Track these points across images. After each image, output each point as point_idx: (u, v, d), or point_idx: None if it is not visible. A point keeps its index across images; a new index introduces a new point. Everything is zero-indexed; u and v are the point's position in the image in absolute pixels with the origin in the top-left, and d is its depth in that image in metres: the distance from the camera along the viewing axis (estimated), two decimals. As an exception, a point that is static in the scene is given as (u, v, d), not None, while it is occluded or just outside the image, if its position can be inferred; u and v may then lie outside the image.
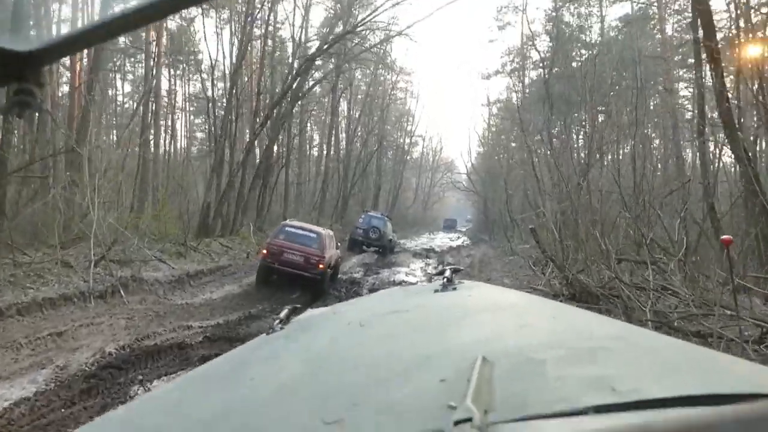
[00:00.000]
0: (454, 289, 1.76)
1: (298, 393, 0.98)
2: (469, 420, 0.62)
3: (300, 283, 14.44)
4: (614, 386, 0.69)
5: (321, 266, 14.14)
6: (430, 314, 1.46)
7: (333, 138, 37.72)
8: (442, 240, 47.90)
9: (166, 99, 29.96)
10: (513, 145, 43.98)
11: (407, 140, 60.39)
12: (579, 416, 0.63)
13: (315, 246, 14.41)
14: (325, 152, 37.40)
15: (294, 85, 23.10)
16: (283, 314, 1.72)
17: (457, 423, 0.62)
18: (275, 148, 26.40)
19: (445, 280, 1.83)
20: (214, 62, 24.71)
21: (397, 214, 61.58)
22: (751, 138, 13.63)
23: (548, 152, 22.57)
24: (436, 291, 1.75)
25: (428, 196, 79.27)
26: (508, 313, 1.41)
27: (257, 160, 23.89)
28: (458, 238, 51.29)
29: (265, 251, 14.44)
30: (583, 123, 28.65)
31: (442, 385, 0.78)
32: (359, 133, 42.10)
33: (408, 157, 71.46)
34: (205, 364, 1.61)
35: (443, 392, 0.74)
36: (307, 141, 41.59)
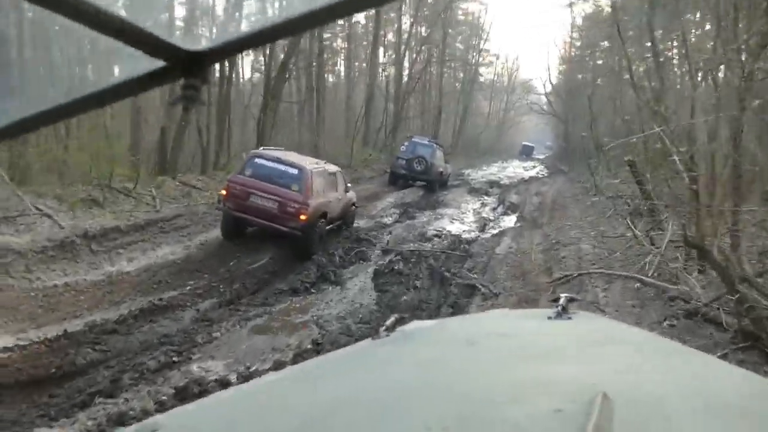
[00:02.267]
0: (569, 318, 1.65)
1: (404, 400, 0.98)
2: None
3: (279, 242, 9.87)
4: None
5: (303, 217, 9.43)
6: (543, 342, 1.42)
7: (381, 50, 32.25)
8: (514, 170, 42.08)
9: None
10: (599, 62, 36.89)
11: (476, 56, 53.04)
12: None
13: (296, 187, 9.64)
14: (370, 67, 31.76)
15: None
16: (389, 322, 1.63)
17: None
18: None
19: (560, 308, 1.69)
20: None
21: (466, 141, 56.09)
22: None
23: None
24: (549, 318, 1.66)
25: (502, 120, 72.31)
26: (630, 352, 1.36)
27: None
28: (533, 167, 45.47)
29: (224, 192, 9.87)
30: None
31: (558, 415, 0.77)
32: (413, 46, 36.03)
33: (480, 78, 64.81)
34: (305, 362, 1.74)
35: (558, 422, 0.75)
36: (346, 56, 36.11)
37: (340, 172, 11.77)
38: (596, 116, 26.42)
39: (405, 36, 35.53)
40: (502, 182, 28.10)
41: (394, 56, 36.04)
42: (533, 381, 0.97)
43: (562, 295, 1.84)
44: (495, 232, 14.02)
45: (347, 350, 1.65)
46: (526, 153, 66.83)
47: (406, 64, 36.08)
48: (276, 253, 9.88)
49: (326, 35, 33.41)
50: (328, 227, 10.80)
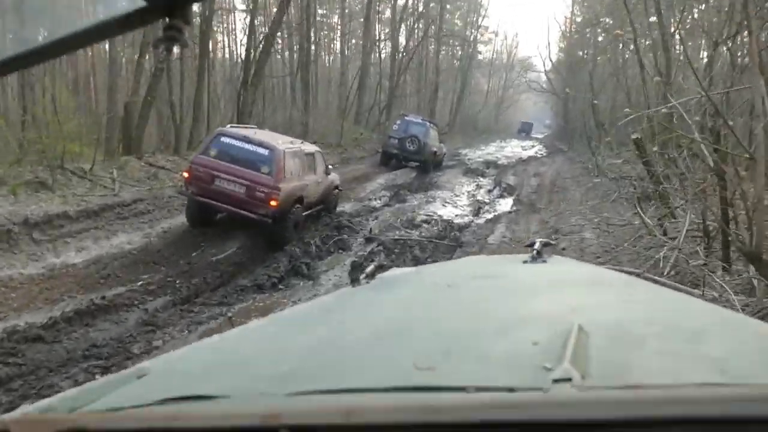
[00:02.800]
0: (544, 261, 1.74)
1: (388, 339, 1.00)
2: (569, 380, 0.64)
3: (250, 230, 8.95)
4: (723, 368, 0.71)
5: (273, 202, 8.48)
6: (519, 282, 1.48)
7: (377, 26, 30.93)
8: (512, 149, 41.05)
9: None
10: (600, 39, 35.55)
11: (474, 33, 51.50)
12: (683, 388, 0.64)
13: (266, 170, 8.66)
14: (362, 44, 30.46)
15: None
16: (368, 270, 1.68)
17: (556, 381, 0.65)
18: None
19: (535, 252, 1.77)
20: None
21: (463, 120, 54.92)
22: None
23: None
24: (525, 262, 1.73)
25: (501, 99, 71.00)
26: (602, 288, 1.42)
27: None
28: (532, 146, 44.56)
29: (186, 174, 8.90)
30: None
31: (536, 348, 0.79)
32: (409, 21, 34.65)
33: (479, 56, 63.36)
34: (291, 308, 1.78)
35: (537, 354, 0.76)
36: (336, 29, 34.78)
37: (319, 152, 10.78)
38: (597, 93, 25.33)
39: (400, 11, 34.17)
40: (499, 162, 27.07)
41: (389, 32, 34.72)
42: (512, 318, 1.02)
43: (537, 240, 1.85)
44: (489, 216, 13.05)
45: (328, 297, 1.65)
46: (525, 130, 66.25)
47: (402, 39, 34.75)
48: (246, 242, 8.95)
49: (321, 11, 32.22)
50: (305, 213, 9.85)
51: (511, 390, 0.66)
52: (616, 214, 10.41)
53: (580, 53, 42.71)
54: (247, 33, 18.52)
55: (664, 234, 7.00)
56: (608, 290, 1.39)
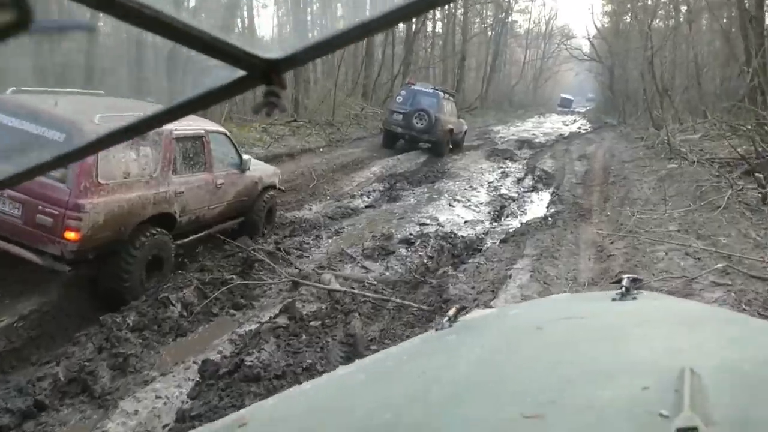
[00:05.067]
0: (634, 298, 1.51)
1: (486, 387, 0.96)
2: (694, 429, 0.62)
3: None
4: None
5: (71, 234, 4.37)
6: (613, 323, 1.35)
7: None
8: (552, 125, 36.26)
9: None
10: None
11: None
12: None
13: (58, 173, 4.47)
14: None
15: None
16: (451, 312, 1.56)
17: (680, 431, 0.62)
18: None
19: (624, 289, 1.52)
20: None
21: (497, 94, 50.01)
22: None
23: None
24: (613, 300, 1.52)
25: (539, 71, 65.44)
26: (705, 327, 1.29)
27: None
28: (575, 121, 40.03)
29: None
30: None
31: (646, 393, 0.76)
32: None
33: (516, 25, 57.99)
34: (375, 355, 1.59)
35: (649, 400, 0.74)
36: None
37: (222, 134, 6.47)
38: (656, 51, 20.25)
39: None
40: (535, 140, 22.30)
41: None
42: (612, 361, 0.96)
43: (624, 276, 1.63)
44: (511, 229, 8.53)
45: (413, 342, 1.61)
46: (565, 105, 62.84)
47: None
48: (54, 298, 4.85)
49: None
50: (183, 241, 5.70)
51: None
52: (738, 234, 5.74)
53: (628, 18, 37.22)
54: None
55: None
56: (713, 329, 1.25)
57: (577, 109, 61.71)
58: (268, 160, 12.11)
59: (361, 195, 11.15)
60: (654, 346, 1.04)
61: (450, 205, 10.35)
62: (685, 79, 19.95)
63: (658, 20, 28.07)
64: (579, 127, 33.36)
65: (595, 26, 46.60)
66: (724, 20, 19.35)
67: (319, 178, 12.10)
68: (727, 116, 14.53)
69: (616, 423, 0.71)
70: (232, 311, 5.21)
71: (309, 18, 28.99)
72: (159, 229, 5.26)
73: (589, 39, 47.31)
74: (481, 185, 12.36)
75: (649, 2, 31.16)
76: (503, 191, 12.01)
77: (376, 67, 24.48)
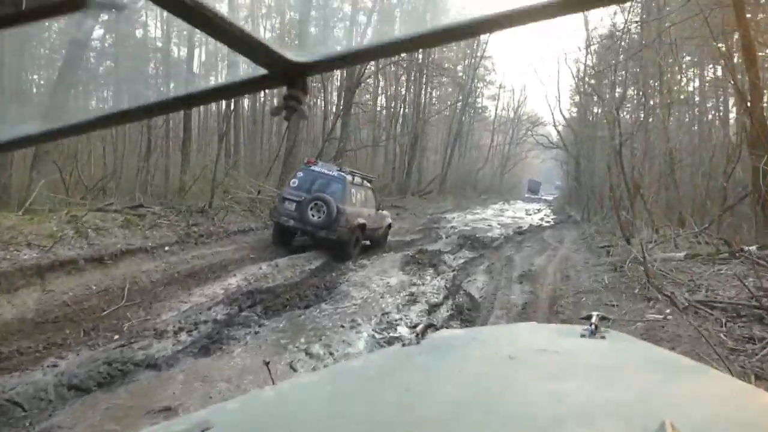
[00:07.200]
0: (603, 338, 1.58)
1: (462, 416, 0.95)
2: None
3: None
4: None
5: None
6: (585, 361, 1.36)
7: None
8: (514, 213, 33.44)
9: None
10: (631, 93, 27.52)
11: (472, 75, 43.64)
12: None
13: None
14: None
15: None
16: (419, 328, 1.61)
17: None
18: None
19: (593, 326, 1.60)
20: None
21: (460, 178, 47.14)
22: None
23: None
24: (582, 336, 1.59)
25: (507, 156, 63.61)
26: (675, 376, 1.31)
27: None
28: (538, 211, 37.48)
29: None
30: None
31: None
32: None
33: (483, 109, 56.29)
34: (341, 364, 1.63)
35: None
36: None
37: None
38: (625, 142, 16.96)
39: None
40: (486, 236, 18.46)
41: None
42: (593, 403, 0.97)
43: (594, 313, 1.74)
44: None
45: (379, 356, 1.59)
46: (534, 190, 61.95)
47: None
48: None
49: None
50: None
51: None
52: None
53: (595, 109, 35.05)
54: None
55: None
56: (682, 378, 1.27)
57: (544, 196, 59.78)
58: (41, 270, 8.06)
59: (180, 331, 7.13)
60: (629, 393, 1.05)
61: (292, 366, 6.23)
62: (658, 174, 16.58)
63: (625, 113, 25.39)
64: (542, 218, 30.29)
65: (561, 114, 44.64)
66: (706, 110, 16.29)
67: (133, 297, 8.12)
68: (719, 228, 10.95)
69: None
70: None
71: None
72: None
73: (555, 126, 45.25)
74: (371, 318, 8.28)
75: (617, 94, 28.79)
76: (400, 330, 7.94)
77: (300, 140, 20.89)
